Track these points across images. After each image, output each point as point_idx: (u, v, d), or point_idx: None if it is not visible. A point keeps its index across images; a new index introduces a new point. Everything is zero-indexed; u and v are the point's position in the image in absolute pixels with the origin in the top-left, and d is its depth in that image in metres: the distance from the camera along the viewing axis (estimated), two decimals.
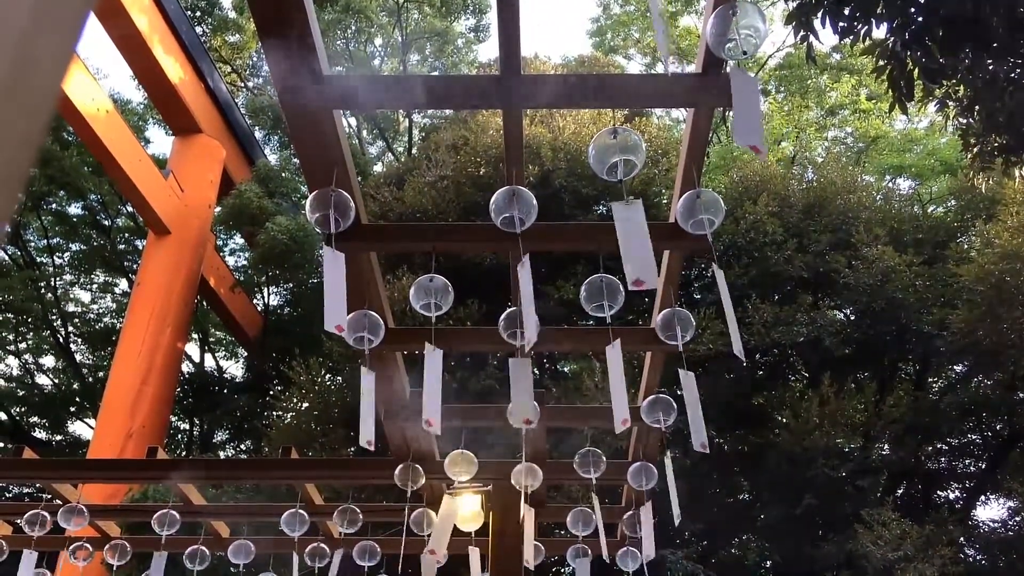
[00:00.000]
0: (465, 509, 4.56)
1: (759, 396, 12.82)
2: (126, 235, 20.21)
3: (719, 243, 14.00)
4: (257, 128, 20.18)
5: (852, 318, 13.66)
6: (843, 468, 11.25)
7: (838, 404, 11.53)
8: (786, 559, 11.51)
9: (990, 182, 9.84)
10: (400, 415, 4.20)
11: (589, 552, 4.83)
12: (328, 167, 3.09)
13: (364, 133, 22.51)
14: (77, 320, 20.66)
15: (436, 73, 22.53)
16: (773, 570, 12.17)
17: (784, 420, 11.87)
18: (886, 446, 12.85)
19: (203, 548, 5.07)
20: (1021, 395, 12.25)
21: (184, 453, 18.66)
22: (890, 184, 17.62)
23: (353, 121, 21.81)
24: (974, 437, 13.00)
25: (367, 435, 3.09)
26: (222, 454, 18.78)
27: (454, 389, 11.49)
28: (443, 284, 3.41)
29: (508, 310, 3.60)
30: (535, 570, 5.28)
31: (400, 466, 4.36)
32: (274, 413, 14.13)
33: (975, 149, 7.23)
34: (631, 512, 4.72)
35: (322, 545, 5.10)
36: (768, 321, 12.48)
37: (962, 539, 11.29)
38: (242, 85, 23.50)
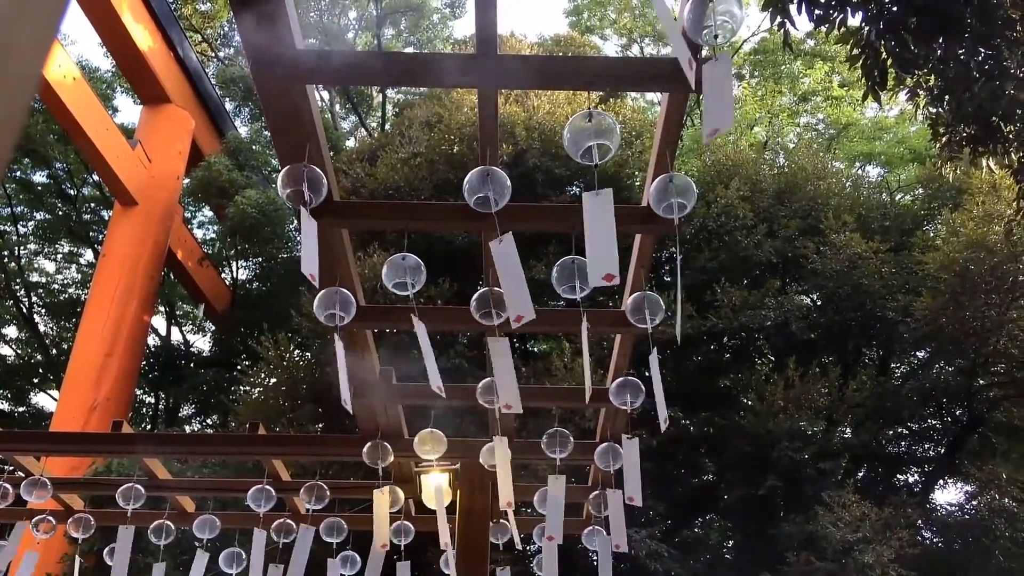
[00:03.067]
0: (435, 487, 4.58)
1: (725, 379, 12.98)
2: (92, 205, 19.88)
3: (690, 226, 14.08)
4: (228, 99, 19.88)
5: (819, 303, 13.84)
6: (805, 451, 11.42)
7: (802, 388, 11.70)
8: (748, 539, 11.72)
9: (957, 172, 9.95)
10: (369, 393, 4.19)
11: (555, 537, 4.86)
12: (300, 142, 3.05)
13: (336, 107, 22.26)
14: (41, 290, 20.32)
15: (410, 49, 22.33)
16: (735, 549, 12.38)
17: (749, 403, 12.02)
18: (848, 430, 13.07)
19: (168, 523, 5.04)
20: (981, 382, 12.50)
21: (149, 427, 18.49)
22: (860, 171, 17.83)
23: (325, 95, 21.56)
24: (934, 422, 13.27)
25: (346, 396, 3.12)
26: (188, 428, 18.64)
27: (422, 368, 11.48)
28: (416, 263, 3.39)
29: (481, 290, 3.60)
30: (501, 547, 5.32)
31: (369, 444, 4.36)
32: (241, 388, 14.04)
33: (944, 139, 7.32)
34: (598, 492, 4.77)
35: (288, 521, 5.09)
36: (736, 305, 12.60)
37: (920, 522, 11.54)
38: (213, 55, 23.10)
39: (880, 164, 18.42)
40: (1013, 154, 7.17)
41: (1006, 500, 11.51)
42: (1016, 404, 12.33)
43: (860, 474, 13.28)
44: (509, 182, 3.13)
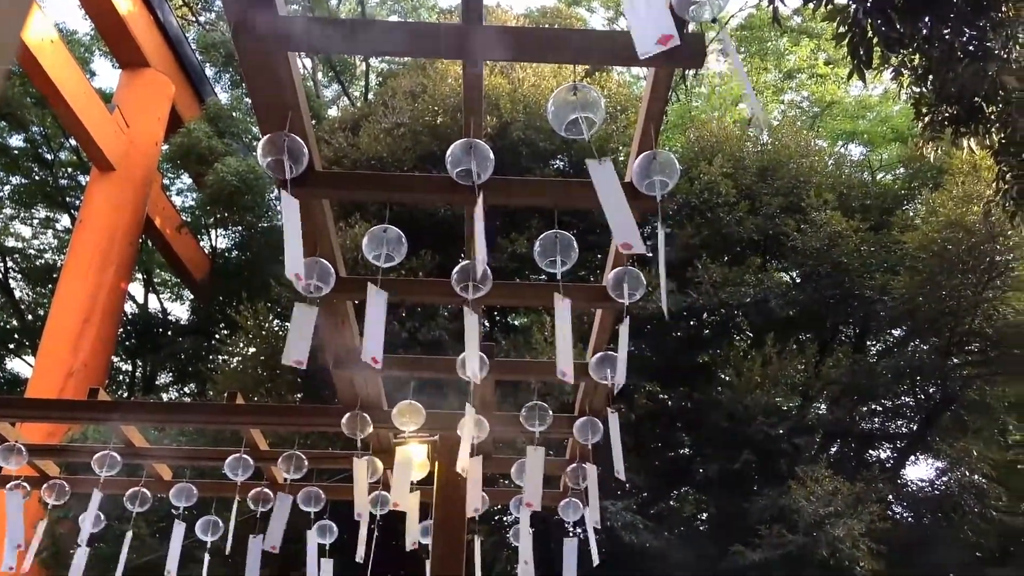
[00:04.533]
0: (413, 458, 4.60)
1: (704, 354, 13.06)
2: (69, 170, 19.59)
3: (673, 202, 14.10)
4: (208, 65, 19.59)
5: (798, 281, 13.94)
6: (781, 426, 11.56)
7: (780, 364, 11.81)
8: (722, 512, 11.87)
9: (939, 152, 10.02)
10: (349, 363, 4.19)
11: (531, 505, 4.90)
12: (282, 110, 3.02)
13: (319, 75, 22.00)
14: (17, 256, 20.07)
15: (395, 17, 22.06)
16: (709, 522, 12.54)
17: (727, 378, 12.14)
18: (823, 406, 13.24)
19: (144, 490, 5.03)
20: (955, 360, 12.67)
21: (126, 395, 18.40)
22: (842, 150, 17.89)
23: (308, 62, 21.29)
24: (908, 399, 13.45)
25: (300, 355, 3.10)
26: (165, 397, 18.57)
27: (403, 339, 11.48)
28: (397, 235, 3.38)
29: (462, 263, 3.59)
30: (479, 517, 5.36)
31: (347, 414, 4.36)
32: (220, 357, 13.98)
33: (926, 118, 7.36)
34: (575, 465, 4.80)
35: (266, 490, 5.10)
36: (717, 281, 12.67)
37: (891, 497, 11.75)
38: (193, 19, 22.72)
39: (863, 143, 18.48)
40: (994, 135, 7.21)
41: (976, 476, 11.72)
42: (989, 383, 12.51)
43: (833, 449, 13.47)
44: (492, 155, 3.11)
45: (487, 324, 14.34)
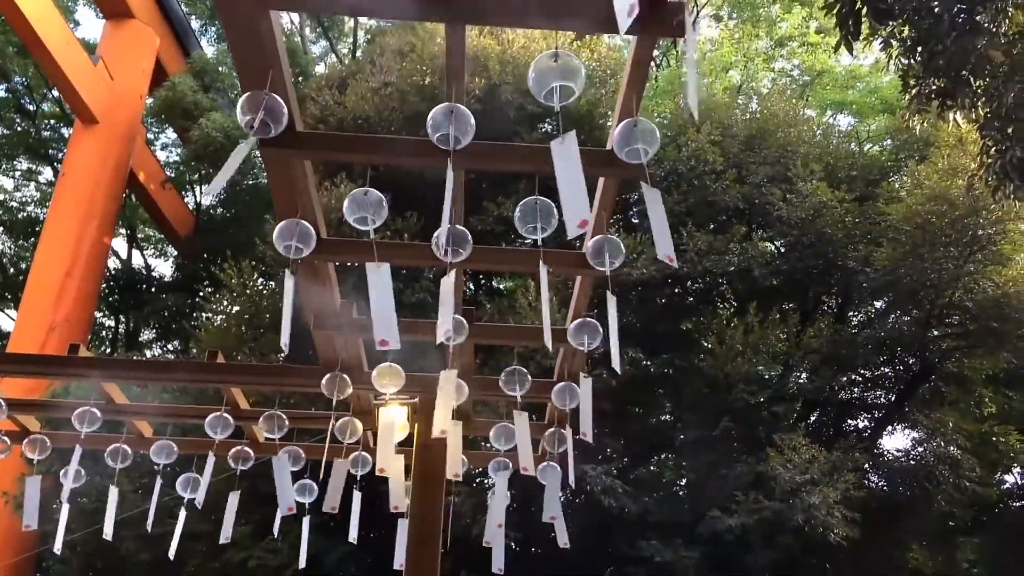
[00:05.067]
0: (393, 420, 4.63)
1: (688, 321, 13.14)
2: (52, 122, 19.32)
3: (660, 169, 14.08)
4: (194, 17, 19.27)
5: (782, 250, 13.99)
6: (761, 394, 11.68)
7: (761, 333, 11.90)
8: (700, 477, 12.02)
9: (925, 124, 10.02)
10: (329, 325, 4.19)
11: (510, 465, 4.97)
12: (263, 68, 2.98)
13: (307, 31, 21.69)
14: None
15: None
16: (688, 487, 12.71)
17: (709, 346, 12.21)
18: (803, 375, 13.36)
19: (124, 447, 5.06)
20: (935, 333, 12.80)
21: (109, 350, 18.35)
22: (831, 120, 17.85)
23: (296, 17, 20.97)
24: (887, 370, 13.60)
25: (284, 338, 3.11)
26: (148, 353, 18.54)
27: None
28: (378, 198, 3.36)
29: (443, 226, 3.59)
30: (459, 479, 5.42)
31: (327, 376, 4.37)
32: (204, 315, 13.94)
33: (914, 90, 7.36)
34: (553, 429, 4.85)
35: (247, 448, 5.13)
36: (702, 249, 12.70)
37: (867, 466, 11.92)
38: None
39: (852, 113, 18.44)
40: (980, 109, 7.24)
41: (951, 448, 11.90)
42: (967, 355, 12.66)
43: (812, 418, 13.64)
44: (473, 120, 3.09)
45: (472, 287, 14.36)
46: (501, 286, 15.32)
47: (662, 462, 13.76)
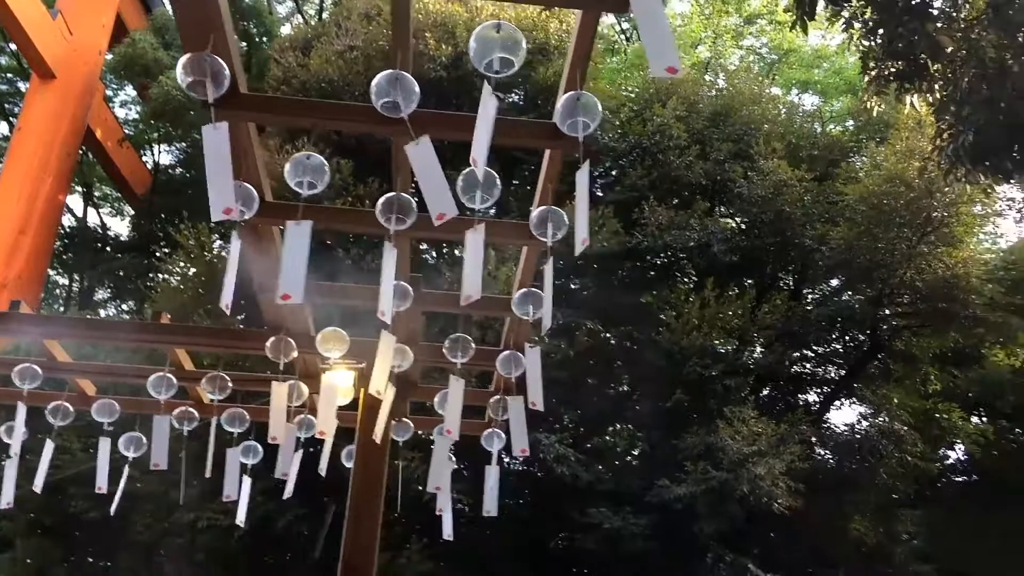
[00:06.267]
0: (338, 383, 4.66)
1: (647, 295, 13.27)
2: (8, 75, 18.81)
3: (625, 143, 14.14)
4: None
5: (742, 227, 14.15)
6: (715, 368, 11.87)
7: (718, 308, 12.06)
8: (653, 448, 12.24)
9: (883, 106, 10.16)
10: (274, 288, 4.19)
11: (452, 431, 5.02)
12: (205, 29, 2.97)
13: None
14: None
15: None
16: (640, 457, 12.93)
17: (667, 320, 12.36)
18: (758, 350, 13.59)
19: (66, 404, 5.04)
20: (886, 311, 13.08)
21: (63, 309, 18.09)
22: (795, 99, 17.98)
23: None
24: (838, 347, 13.89)
25: (226, 299, 3.13)
26: (103, 313, 18.28)
27: (347, 266, 11.44)
28: (319, 163, 3.38)
29: (388, 194, 3.61)
30: (412, 445, 5.49)
31: (272, 338, 4.39)
32: (159, 276, 13.78)
33: (873, 72, 7.46)
34: (498, 397, 4.92)
35: (190, 409, 5.14)
36: (663, 224, 12.80)
37: (814, 439, 12.20)
38: None
39: (816, 93, 18.58)
40: (937, 92, 7.36)
41: (896, 424, 12.21)
42: (916, 334, 12.97)
43: (764, 392, 13.90)
44: (418, 88, 3.10)
45: (434, 254, 14.35)
46: (461, 254, 15.29)
47: (617, 432, 13.96)
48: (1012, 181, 8.14)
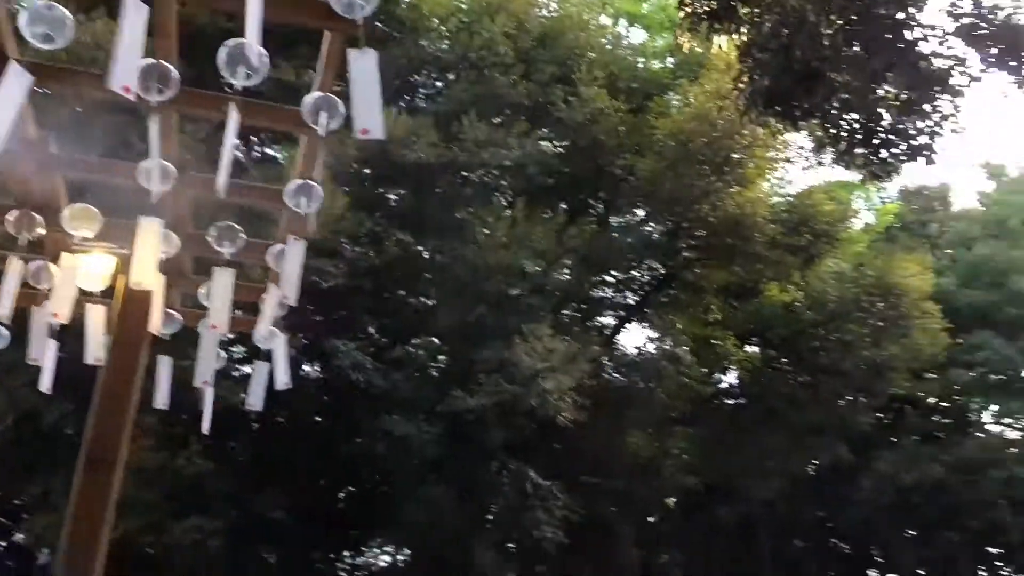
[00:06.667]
0: (92, 268, 4.34)
1: (463, 210, 13.28)
2: None
3: (452, 54, 13.90)
4: None
5: (559, 151, 14.39)
6: (520, 286, 12.15)
7: (527, 227, 12.28)
8: (454, 360, 12.47)
9: (696, 46, 10.53)
10: (21, 156, 3.80)
11: (217, 327, 4.82)
12: None
13: None
14: None
15: None
16: (439, 369, 13.14)
17: (478, 237, 12.45)
18: (564, 271, 14.04)
19: None
20: (681, 244, 13.83)
21: None
22: (622, 31, 18.26)
23: None
24: (636, 274, 14.60)
25: None
26: None
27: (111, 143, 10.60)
28: (62, 15, 3.04)
29: (148, 60, 3.31)
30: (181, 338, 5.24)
31: (16, 212, 3.99)
32: None
33: (689, 9, 7.66)
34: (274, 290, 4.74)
35: None
36: (481, 140, 12.76)
37: (604, 359, 12.86)
38: None
39: (643, 26, 18.92)
40: (744, 35, 7.66)
41: (678, 348, 13.08)
42: (706, 266, 13.83)
43: (564, 312, 14.43)
44: None
45: (245, 149, 13.67)
46: (280, 155, 14.60)
47: (423, 344, 14.09)
48: (799, 128, 8.71)
